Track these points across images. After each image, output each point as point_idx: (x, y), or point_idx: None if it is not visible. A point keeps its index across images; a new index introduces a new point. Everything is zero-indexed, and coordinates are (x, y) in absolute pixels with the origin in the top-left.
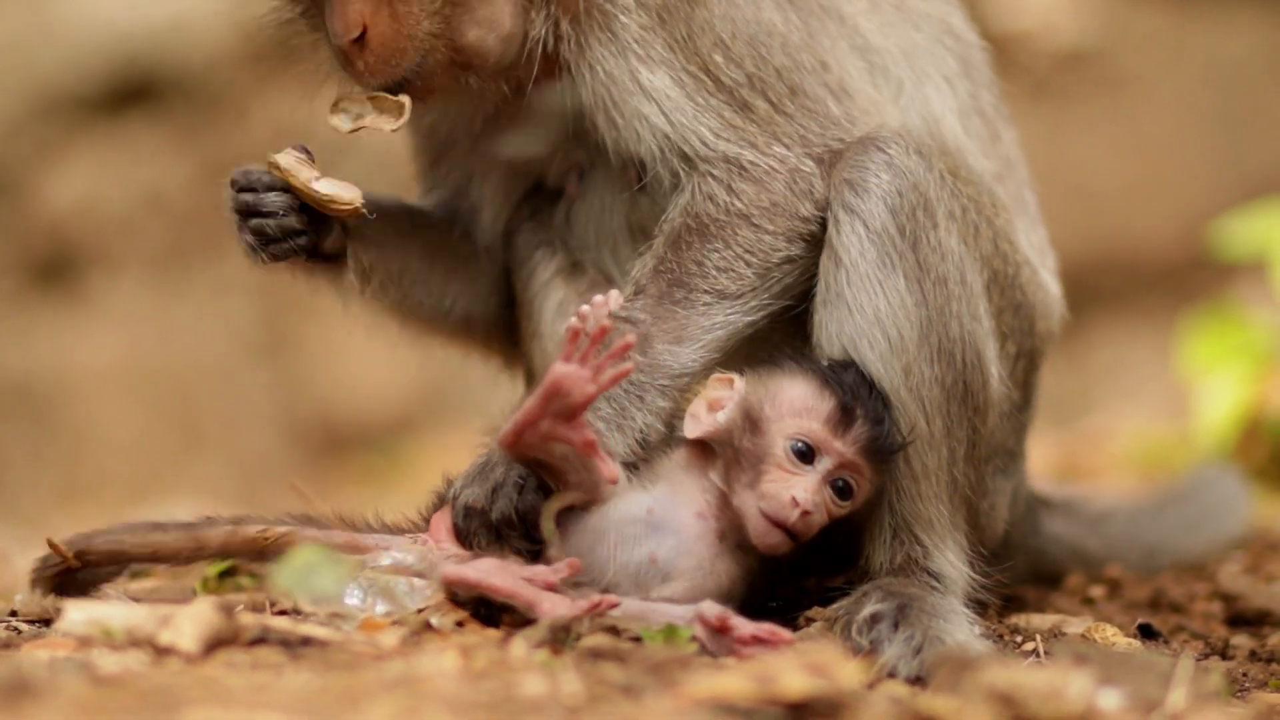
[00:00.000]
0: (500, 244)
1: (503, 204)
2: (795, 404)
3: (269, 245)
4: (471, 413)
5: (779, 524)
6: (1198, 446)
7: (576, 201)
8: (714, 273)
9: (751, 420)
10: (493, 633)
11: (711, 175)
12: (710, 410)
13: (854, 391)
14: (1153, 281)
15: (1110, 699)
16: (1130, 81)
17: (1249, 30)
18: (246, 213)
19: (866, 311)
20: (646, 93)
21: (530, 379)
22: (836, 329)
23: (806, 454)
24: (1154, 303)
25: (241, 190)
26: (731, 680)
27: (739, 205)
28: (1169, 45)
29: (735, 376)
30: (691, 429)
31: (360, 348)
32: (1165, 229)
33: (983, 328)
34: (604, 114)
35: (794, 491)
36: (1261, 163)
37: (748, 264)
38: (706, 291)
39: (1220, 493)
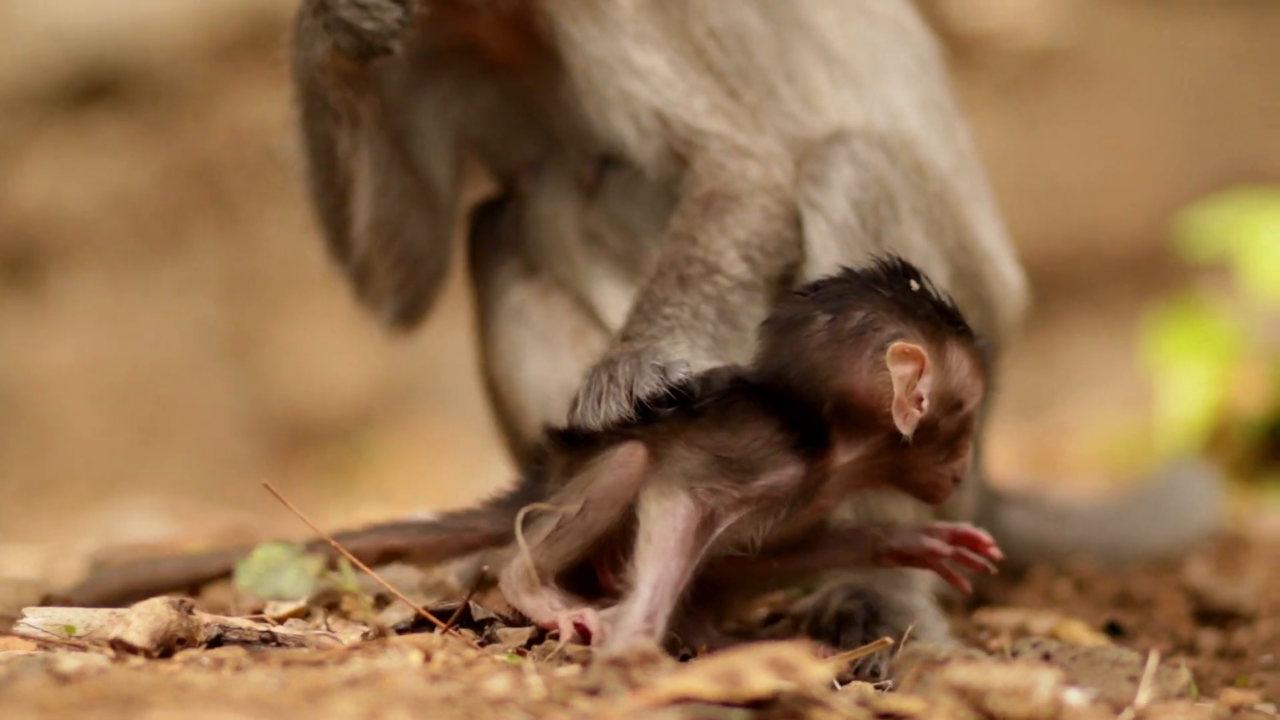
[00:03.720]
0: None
1: (459, 184)
2: (975, 367)
3: (389, 14)
4: (436, 407)
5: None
6: (1163, 441)
7: (529, 201)
8: (736, 238)
9: (952, 399)
10: (468, 633)
11: (713, 149)
12: (914, 397)
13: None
14: (1121, 276)
15: (1077, 697)
16: (1100, 78)
17: (1219, 27)
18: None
19: None
20: (638, 72)
21: (489, 381)
22: None
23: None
24: (1122, 297)
25: None
26: (696, 679)
27: (752, 178)
28: (1139, 42)
29: (919, 349)
30: (907, 423)
31: (325, 343)
32: (1134, 223)
33: None
34: (585, 94)
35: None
36: (1230, 158)
37: (766, 236)
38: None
39: (1191, 489)
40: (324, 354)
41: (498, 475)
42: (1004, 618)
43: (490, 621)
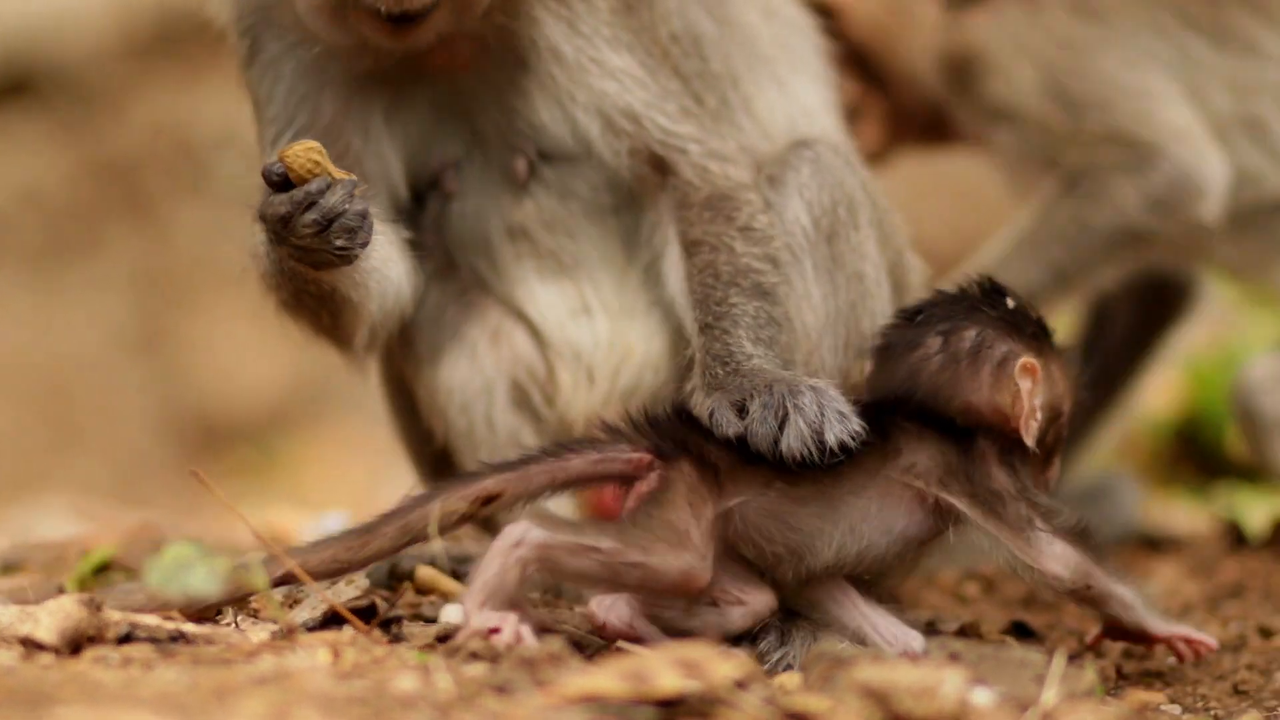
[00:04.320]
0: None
1: (380, 186)
2: (1069, 379)
3: (357, 236)
4: (349, 407)
5: None
6: None
7: (452, 199)
8: (751, 238)
9: (1055, 409)
10: (377, 631)
11: (693, 153)
12: (1031, 409)
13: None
14: None
15: (984, 696)
16: None
17: None
18: (326, 223)
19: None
20: (612, 72)
21: (402, 383)
22: None
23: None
24: None
25: (306, 209)
26: (604, 678)
27: (735, 179)
28: None
29: (1036, 364)
30: (1031, 434)
31: (238, 343)
32: None
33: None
34: (542, 93)
35: None
36: None
37: (769, 230)
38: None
39: (1115, 497)
40: (237, 353)
41: (407, 477)
42: (912, 618)
43: (399, 620)
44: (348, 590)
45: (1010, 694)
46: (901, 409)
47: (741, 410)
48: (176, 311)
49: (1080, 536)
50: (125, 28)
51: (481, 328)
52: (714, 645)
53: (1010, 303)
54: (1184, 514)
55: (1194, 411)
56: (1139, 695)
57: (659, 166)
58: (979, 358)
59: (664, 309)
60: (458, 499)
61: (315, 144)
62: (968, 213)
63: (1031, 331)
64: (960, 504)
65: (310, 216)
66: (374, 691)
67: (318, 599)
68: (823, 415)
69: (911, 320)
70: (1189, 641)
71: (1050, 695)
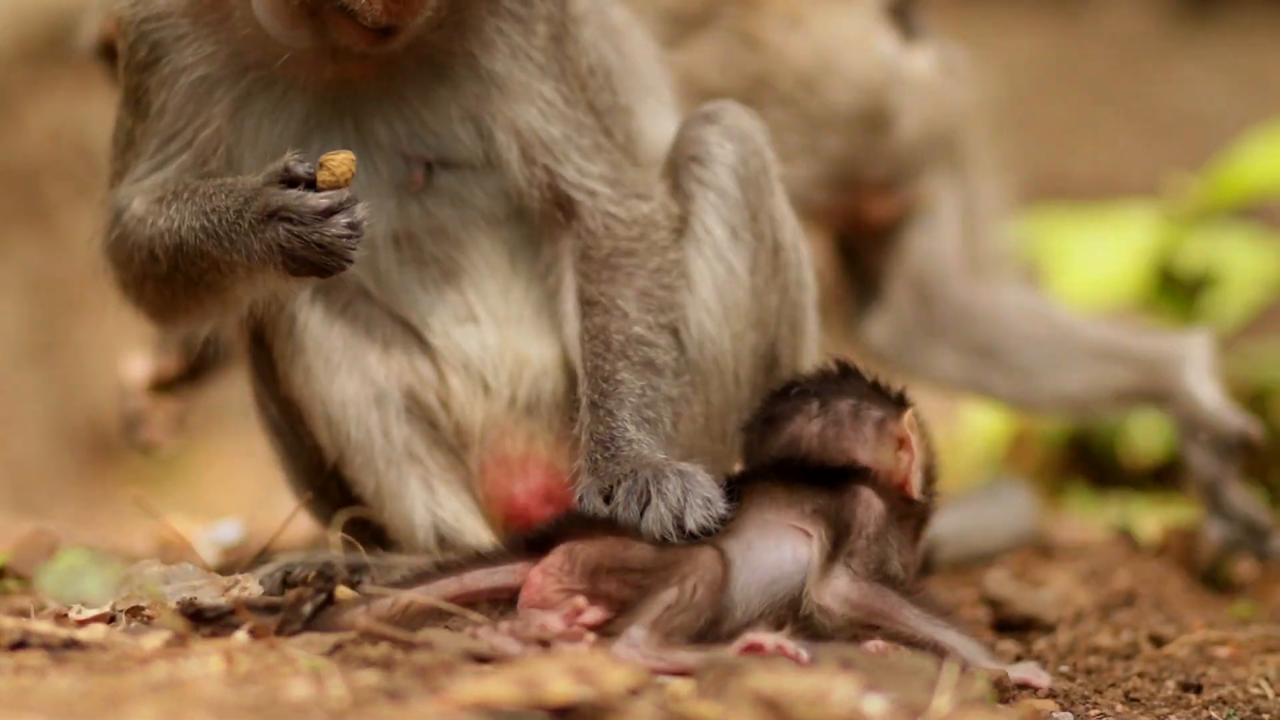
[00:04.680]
0: None
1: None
2: (927, 435)
3: (357, 253)
4: (243, 418)
5: None
6: (966, 452)
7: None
8: (649, 304)
9: (930, 468)
10: (271, 637)
11: (602, 196)
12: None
13: None
14: None
15: (875, 704)
16: None
17: (1024, 38)
18: (355, 231)
19: (707, 281)
20: (534, 99)
21: (287, 400)
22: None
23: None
24: None
25: (342, 211)
26: (497, 685)
27: (640, 216)
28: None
29: (913, 419)
30: (916, 488)
31: (129, 351)
32: None
33: (809, 296)
34: (470, 111)
35: None
36: (1036, 169)
37: (668, 276)
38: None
39: (1008, 506)
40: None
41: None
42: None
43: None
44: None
45: (902, 701)
46: (781, 472)
47: (608, 497)
48: (71, 318)
49: (892, 583)
50: (19, 33)
51: (371, 339)
52: (606, 653)
53: (869, 378)
54: (1077, 522)
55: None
56: (1030, 702)
57: (566, 209)
58: (859, 418)
59: (555, 318)
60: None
61: (352, 155)
62: None
63: (897, 399)
64: (815, 534)
65: (344, 219)
66: (267, 698)
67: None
68: (685, 500)
69: (786, 394)
70: (1025, 685)
71: (942, 702)
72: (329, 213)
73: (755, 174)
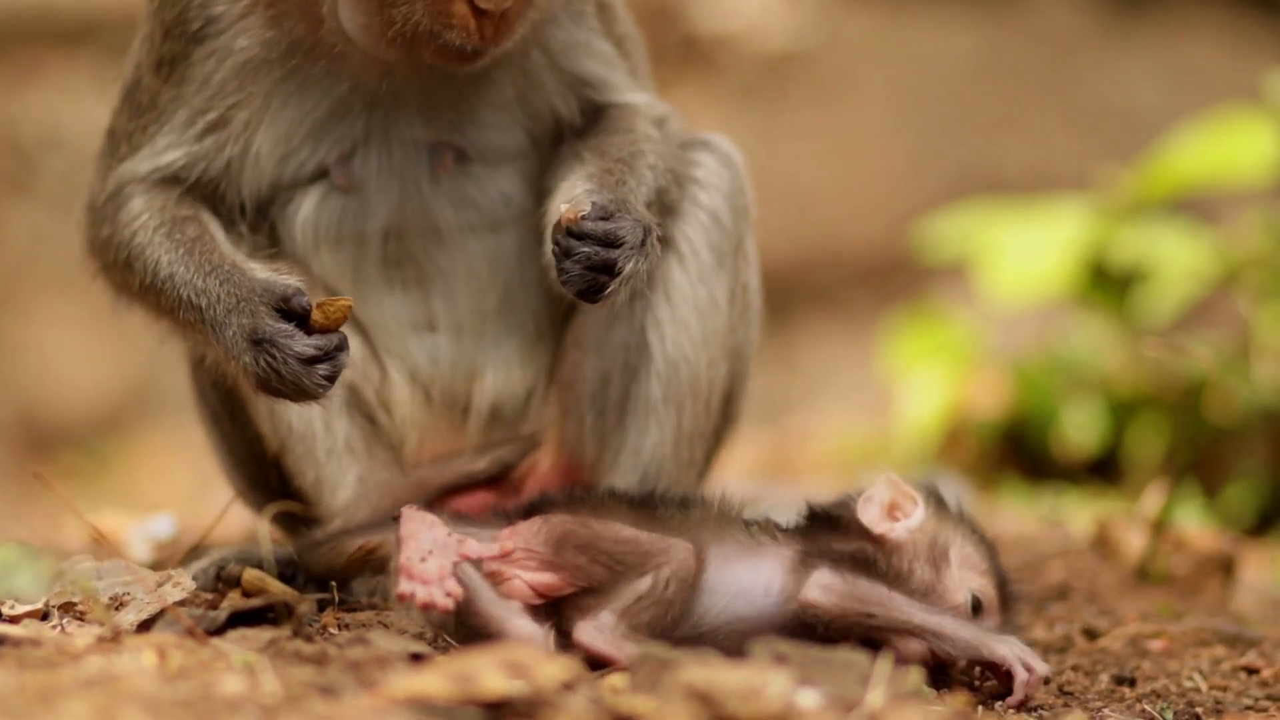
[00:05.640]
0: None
1: (272, 179)
2: (977, 562)
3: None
4: (178, 411)
5: None
6: (900, 445)
7: (342, 194)
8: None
9: (937, 555)
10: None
11: (646, 104)
12: (888, 515)
13: (1004, 569)
14: (860, 281)
15: (809, 698)
16: (840, 84)
17: (956, 36)
18: (333, 377)
19: (689, 300)
20: (597, 55)
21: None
22: (651, 315)
23: (977, 610)
24: (861, 302)
25: (325, 360)
26: (430, 679)
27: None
28: (879, 48)
29: (916, 494)
30: (873, 520)
31: (66, 346)
32: (872, 229)
33: (756, 337)
34: (522, 90)
35: None
36: (966, 165)
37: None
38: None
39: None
40: (65, 356)
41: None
42: None
43: (230, 622)
44: (174, 592)
45: (836, 695)
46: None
47: (607, 215)
48: (4, 314)
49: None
50: None
51: None
52: (541, 647)
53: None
54: (1010, 515)
55: (1020, 413)
56: (964, 695)
57: (606, 113)
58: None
59: (522, 336)
60: (346, 546)
61: (350, 301)
62: (803, 220)
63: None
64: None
65: (326, 368)
66: (200, 694)
67: (145, 601)
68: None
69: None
70: (1027, 667)
71: (876, 696)
72: (312, 361)
73: (742, 208)
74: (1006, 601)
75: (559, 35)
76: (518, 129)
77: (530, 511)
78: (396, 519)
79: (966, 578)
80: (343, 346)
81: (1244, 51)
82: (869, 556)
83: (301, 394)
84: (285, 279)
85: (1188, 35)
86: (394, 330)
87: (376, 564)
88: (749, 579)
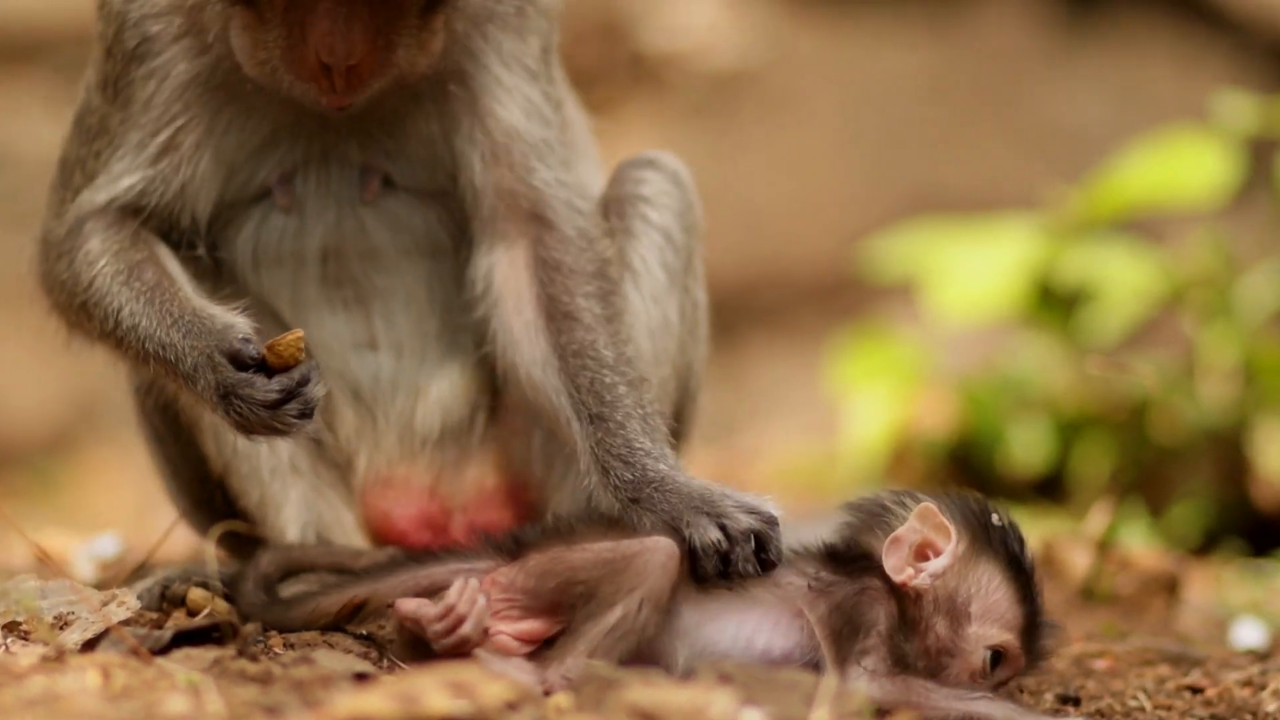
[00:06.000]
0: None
1: (217, 200)
2: (1002, 611)
3: (313, 418)
4: (123, 432)
5: None
6: (847, 464)
7: (281, 213)
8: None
9: (955, 609)
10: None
11: (574, 206)
12: (918, 557)
13: (1040, 601)
14: (808, 300)
15: (752, 717)
16: (789, 102)
17: (904, 55)
18: (307, 412)
19: (641, 320)
20: (523, 102)
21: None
22: None
23: (995, 664)
24: (809, 321)
25: (291, 398)
26: (375, 699)
27: (606, 229)
28: (828, 66)
29: (951, 525)
30: (896, 568)
31: (10, 365)
32: (820, 248)
33: (704, 353)
34: (446, 126)
35: None
36: (914, 184)
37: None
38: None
39: None
40: (10, 375)
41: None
42: None
43: (175, 641)
44: (119, 612)
45: (780, 715)
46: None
47: (673, 525)
48: None
49: (912, 670)
50: None
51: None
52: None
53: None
54: None
55: (967, 432)
56: (909, 714)
57: (535, 214)
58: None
59: (464, 356)
60: (331, 601)
61: (301, 333)
62: (752, 239)
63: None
64: (813, 618)
65: (295, 407)
66: (144, 713)
67: (90, 620)
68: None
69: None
70: None
71: (820, 715)
72: (278, 404)
73: (692, 225)
74: (1033, 645)
75: (484, 75)
76: (439, 169)
77: (520, 545)
78: (376, 568)
79: (985, 635)
80: (307, 379)
81: (1191, 71)
82: (880, 601)
83: (280, 434)
84: (235, 326)
85: (1135, 55)
86: (335, 349)
87: (366, 616)
88: (735, 634)
